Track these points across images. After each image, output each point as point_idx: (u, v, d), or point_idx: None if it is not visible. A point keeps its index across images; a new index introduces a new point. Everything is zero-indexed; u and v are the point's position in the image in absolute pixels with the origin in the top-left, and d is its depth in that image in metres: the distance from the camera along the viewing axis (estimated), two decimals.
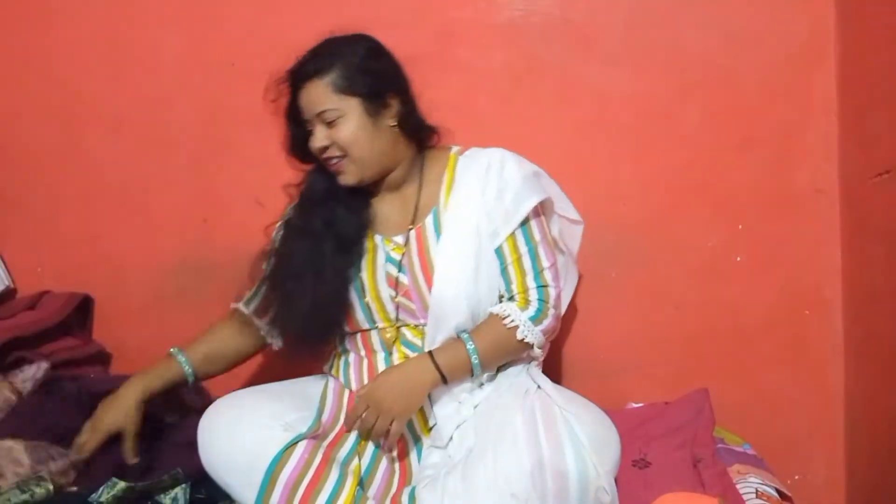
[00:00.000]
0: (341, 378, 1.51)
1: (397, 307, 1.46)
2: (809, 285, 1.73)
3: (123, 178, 1.95)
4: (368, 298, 1.47)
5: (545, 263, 1.45)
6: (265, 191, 1.88)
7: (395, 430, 1.35)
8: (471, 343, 1.39)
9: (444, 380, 1.38)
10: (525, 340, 1.40)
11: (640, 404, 1.69)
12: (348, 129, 1.41)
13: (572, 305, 1.78)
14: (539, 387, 1.37)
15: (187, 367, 1.52)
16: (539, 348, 1.44)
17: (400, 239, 1.48)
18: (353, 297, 1.48)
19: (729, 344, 1.76)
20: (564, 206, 1.59)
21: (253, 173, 1.89)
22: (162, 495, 1.42)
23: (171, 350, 1.54)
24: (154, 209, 1.94)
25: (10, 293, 1.94)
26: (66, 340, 1.82)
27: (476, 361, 1.38)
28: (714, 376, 1.71)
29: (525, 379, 1.42)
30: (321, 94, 1.41)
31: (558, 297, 1.46)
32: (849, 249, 1.69)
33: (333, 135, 1.41)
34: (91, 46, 1.94)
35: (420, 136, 1.51)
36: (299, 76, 1.43)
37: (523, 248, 1.45)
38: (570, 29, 1.78)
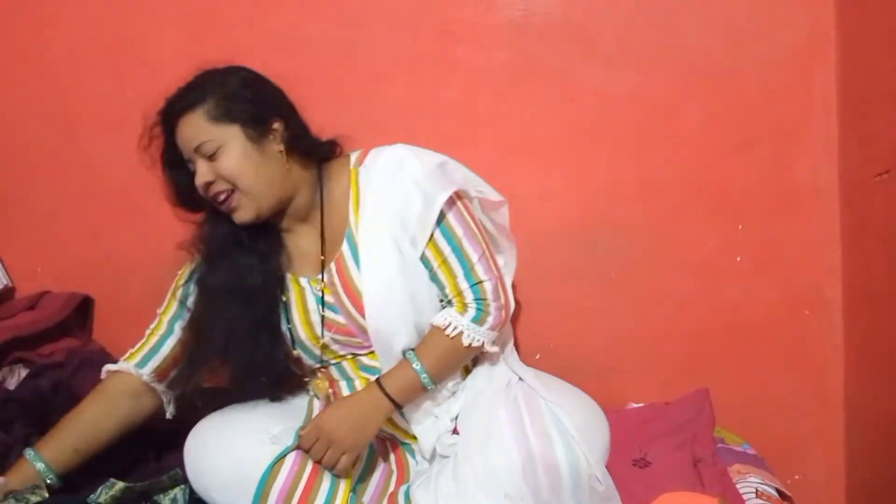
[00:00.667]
0: (316, 399, 1.46)
1: (340, 344, 1.41)
2: (809, 285, 1.73)
3: (123, 178, 1.94)
4: (309, 345, 1.41)
5: (474, 257, 1.36)
6: None
7: (344, 462, 1.29)
8: (417, 362, 1.32)
9: (398, 405, 1.33)
10: (472, 345, 1.34)
11: (641, 404, 1.69)
12: (231, 158, 1.29)
13: (573, 306, 1.78)
14: (520, 378, 1.36)
15: (46, 472, 1.33)
16: (492, 344, 1.38)
17: (324, 276, 1.39)
18: (289, 347, 1.40)
19: (729, 344, 1.75)
20: (483, 189, 1.47)
21: None
22: (161, 496, 1.41)
23: (26, 454, 1.34)
24: (154, 209, 1.93)
25: (9, 293, 1.94)
26: (66, 341, 1.82)
27: (426, 379, 1.33)
28: (714, 376, 1.71)
29: (503, 370, 1.40)
30: (197, 126, 1.30)
31: (496, 287, 1.36)
32: (849, 249, 1.69)
33: (217, 167, 1.30)
34: (91, 46, 1.94)
35: (317, 153, 1.40)
36: (172, 113, 1.33)
37: (447, 249, 1.35)
38: (571, 29, 1.78)
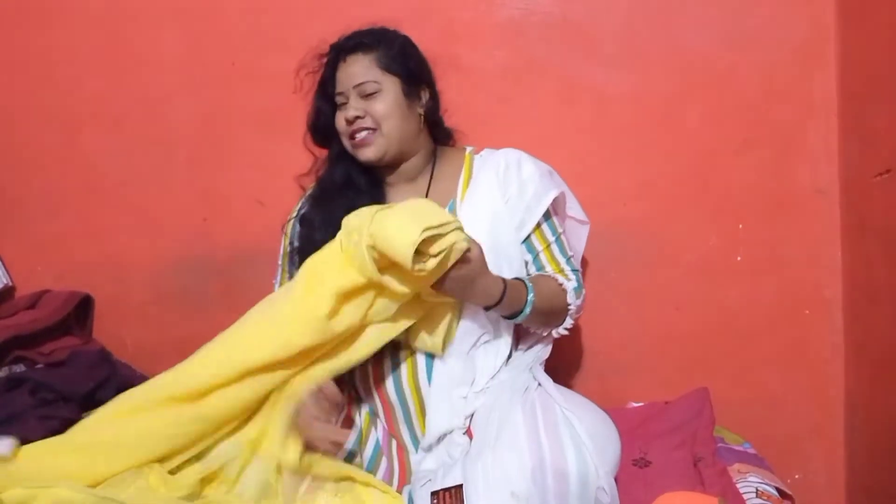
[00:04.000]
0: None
1: None
2: (809, 285, 1.74)
3: (123, 177, 1.95)
4: None
5: (570, 252, 1.51)
6: (265, 190, 1.89)
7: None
8: (531, 287, 1.37)
9: (498, 304, 1.34)
10: (569, 306, 1.44)
11: (641, 403, 1.69)
12: (386, 102, 1.45)
13: None
14: (539, 384, 1.37)
15: None
16: (572, 320, 1.47)
17: None
18: None
19: (729, 343, 1.76)
20: (573, 206, 1.61)
21: (253, 172, 1.89)
22: None
23: None
24: (154, 208, 1.94)
25: (9, 292, 1.94)
26: (66, 339, 1.81)
27: (529, 310, 1.37)
28: (714, 375, 1.71)
29: (526, 377, 1.41)
30: (364, 67, 1.46)
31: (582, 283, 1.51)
32: (849, 249, 1.69)
33: (369, 107, 1.45)
34: (91, 46, 1.94)
35: (438, 133, 1.58)
36: (345, 49, 1.49)
37: (551, 238, 1.49)
38: (570, 29, 1.78)
